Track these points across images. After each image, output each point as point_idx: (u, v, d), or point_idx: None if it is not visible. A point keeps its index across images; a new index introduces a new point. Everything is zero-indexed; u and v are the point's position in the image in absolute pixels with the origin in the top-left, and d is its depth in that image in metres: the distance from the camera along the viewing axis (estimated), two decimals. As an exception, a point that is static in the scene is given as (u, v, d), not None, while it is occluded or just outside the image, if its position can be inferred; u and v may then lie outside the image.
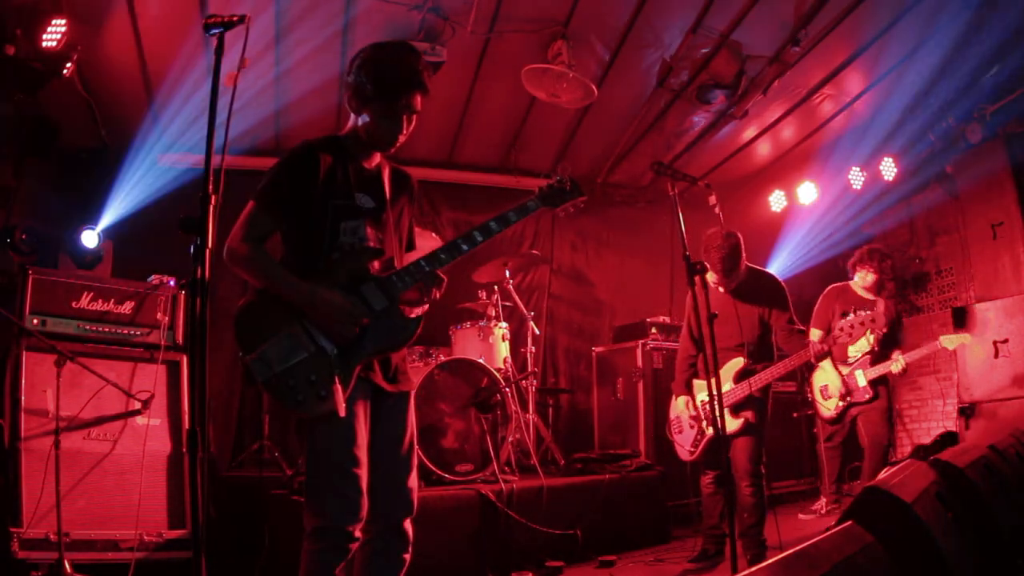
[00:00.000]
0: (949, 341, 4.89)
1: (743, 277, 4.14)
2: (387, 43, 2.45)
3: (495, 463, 4.42)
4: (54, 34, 4.17)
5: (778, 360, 4.09)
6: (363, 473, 2.24)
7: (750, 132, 6.64)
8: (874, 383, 4.98)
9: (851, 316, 3.95)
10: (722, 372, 4.15)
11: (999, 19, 4.95)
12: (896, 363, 4.88)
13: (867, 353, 5.07)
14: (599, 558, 4.32)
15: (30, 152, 4.87)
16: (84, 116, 5.30)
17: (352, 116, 2.45)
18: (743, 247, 4.11)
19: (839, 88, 5.96)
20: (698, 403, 4.22)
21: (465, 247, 2.41)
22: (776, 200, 7.30)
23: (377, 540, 2.33)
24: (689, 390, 4.27)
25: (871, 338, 4.97)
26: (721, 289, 4.16)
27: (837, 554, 1.48)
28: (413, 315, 2.40)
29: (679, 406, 4.30)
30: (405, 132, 2.42)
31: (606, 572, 4.20)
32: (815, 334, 4.08)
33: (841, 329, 3.95)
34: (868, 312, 3.99)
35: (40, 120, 4.84)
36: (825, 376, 5.14)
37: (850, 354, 5.14)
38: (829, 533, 1.62)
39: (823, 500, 5.25)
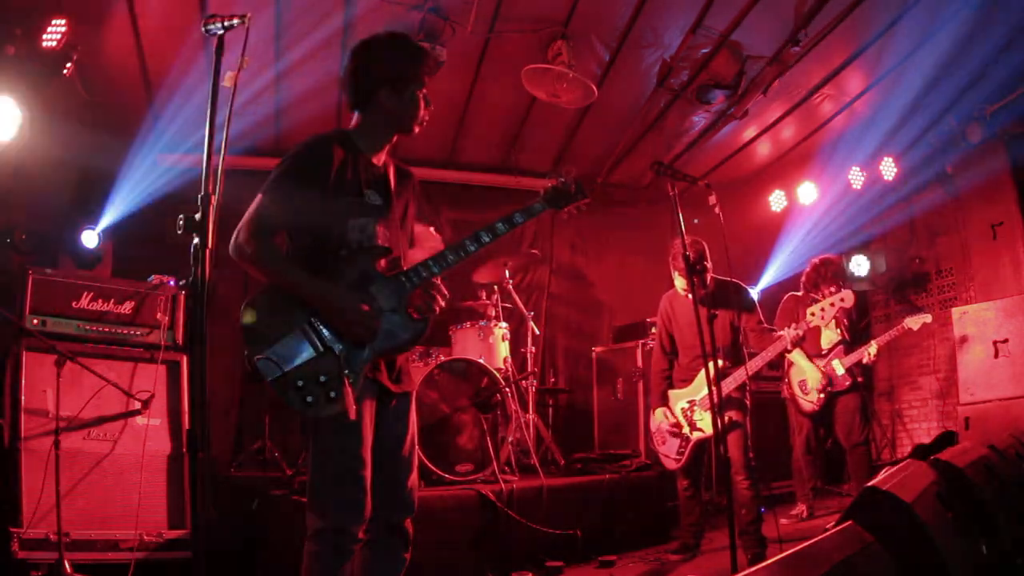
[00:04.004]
0: (913, 322, 5.03)
1: (710, 287, 4.23)
2: (388, 32, 2.46)
3: (495, 463, 4.42)
4: (54, 34, 4.17)
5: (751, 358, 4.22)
6: (368, 474, 2.23)
7: (750, 132, 6.64)
8: (851, 372, 5.07)
9: (820, 301, 4.08)
10: (699, 379, 4.21)
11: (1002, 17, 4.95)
12: (871, 347, 4.98)
13: (839, 343, 5.14)
14: (599, 558, 4.32)
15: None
16: (84, 116, 5.30)
17: (360, 111, 2.44)
18: (708, 255, 4.26)
19: (839, 88, 5.96)
20: (677, 412, 4.32)
21: (472, 248, 2.41)
22: (776, 200, 7.30)
23: (377, 540, 2.32)
24: (665, 401, 4.40)
25: (836, 329, 5.09)
26: (689, 296, 4.21)
27: (837, 554, 1.48)
28: (420, 316, 2.39)
29: (658, 418, 4.40)
30: (424, 111, 2.43)
31: (606, 572, 4.20)
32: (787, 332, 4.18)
33: (812, 313, 4.05)
34: (838, 294, 4.08)
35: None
36: (802, 372, 5.21)
37: (823, 346, 5.21)
38: (829, 533, 1.62)
39: (802, 506, 5.29)
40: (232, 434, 5.65)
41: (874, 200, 6.86)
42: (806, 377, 5.18)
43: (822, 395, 5.10)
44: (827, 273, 5.23)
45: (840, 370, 5.05)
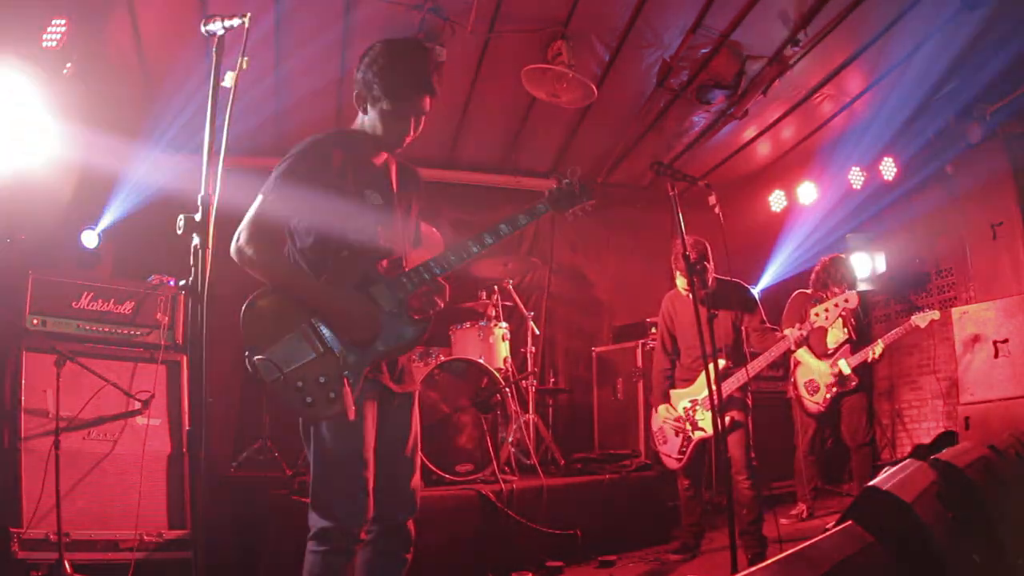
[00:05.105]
0: (921, 319, 5.05)
1: (712, 287, 4.22)
2: (399, 41, 2.43)
3: (495, 463, 4.43)
4: (54, 34, 4.17)
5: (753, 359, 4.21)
6: (370, 475, 2.24)
7: (750, 132, 6.64)
8: (857, 372, 5.08)
9: (825, 301, 4.08)
10: (701, 379, 4.21)
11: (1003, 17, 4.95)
12: (877, 346, 4.99)
13: (845, 342, 5.15)
14: (599, 558, 4.33)
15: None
16: (84, 116, 5.29)
17: (360, 112, 2.44)
18: (710, 255, 4.26)
19: (839, 88, 5.95)
20: (679, 411, 4.31)
21: (475, 249, 2.41)
22: (776, 200, 7.30)
23: (379, 540, 2.33)
24: (667, 400, 4.40)
25: (843, 329, 5.10)
26: (689, 296, 4.22)
27: (837, 554, 1.48)
28: (421, 317, 2.39)
29: (660, 416, 4.39)
30: (412, 133, 2.42)
31: (606, 572, 4.20)
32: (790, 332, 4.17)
33: (816, 314, 4.05)
34: (843, 295, 4.08)
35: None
36: (809, 371, 5.21)
37: (829, 345, 5.21)
38: (829, 533, 1.61)
39: (802, 506, 5.30)
40: (232, 434, 5.64)
41: (874, 200, 6.86)
42: (813, 377, 5.18)
43: (829, 395, 5.09)
44: (836, 273, 5.20)
45: (847, 370, 5.06)
